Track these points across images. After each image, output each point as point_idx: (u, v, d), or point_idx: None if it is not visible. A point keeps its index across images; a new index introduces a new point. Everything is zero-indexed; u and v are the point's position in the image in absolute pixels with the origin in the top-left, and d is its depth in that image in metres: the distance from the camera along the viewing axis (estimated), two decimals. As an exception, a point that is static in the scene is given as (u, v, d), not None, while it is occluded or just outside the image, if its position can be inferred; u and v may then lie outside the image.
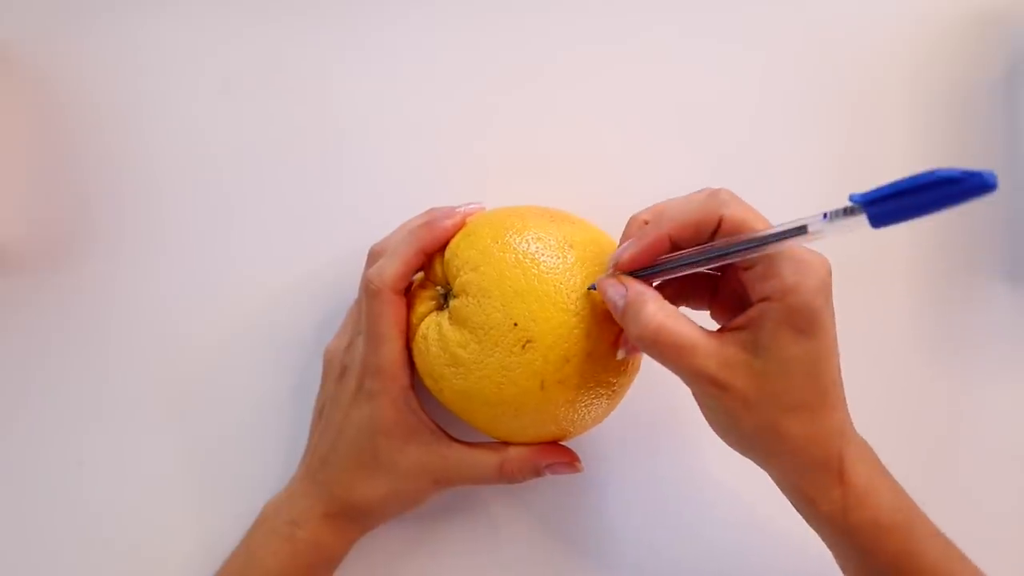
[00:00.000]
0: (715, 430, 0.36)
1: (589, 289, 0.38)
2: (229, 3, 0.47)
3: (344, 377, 0.42)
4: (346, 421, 0.41)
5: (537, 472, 0.41)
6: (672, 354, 0.34)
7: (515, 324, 0.37)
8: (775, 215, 0.47)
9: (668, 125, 0.48)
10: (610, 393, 0.39)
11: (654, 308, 0.34)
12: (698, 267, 0.35)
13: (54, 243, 0.47)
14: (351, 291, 0.44)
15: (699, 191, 0.36)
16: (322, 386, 0.44)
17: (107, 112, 0.47)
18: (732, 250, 0.33)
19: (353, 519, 0.42)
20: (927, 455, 0.47)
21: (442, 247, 0.40)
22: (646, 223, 0.37)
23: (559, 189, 0.45)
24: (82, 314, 0.46)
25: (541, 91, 0.47)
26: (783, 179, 0.47)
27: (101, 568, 0.46)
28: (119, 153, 0.47)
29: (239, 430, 0.46)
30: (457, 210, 0.41)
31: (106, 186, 0.47)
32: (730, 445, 0.36)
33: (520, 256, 0.38)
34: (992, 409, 0.47)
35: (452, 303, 0.39)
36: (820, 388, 0.34)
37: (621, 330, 0.38)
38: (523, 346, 0.37)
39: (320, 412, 0.43)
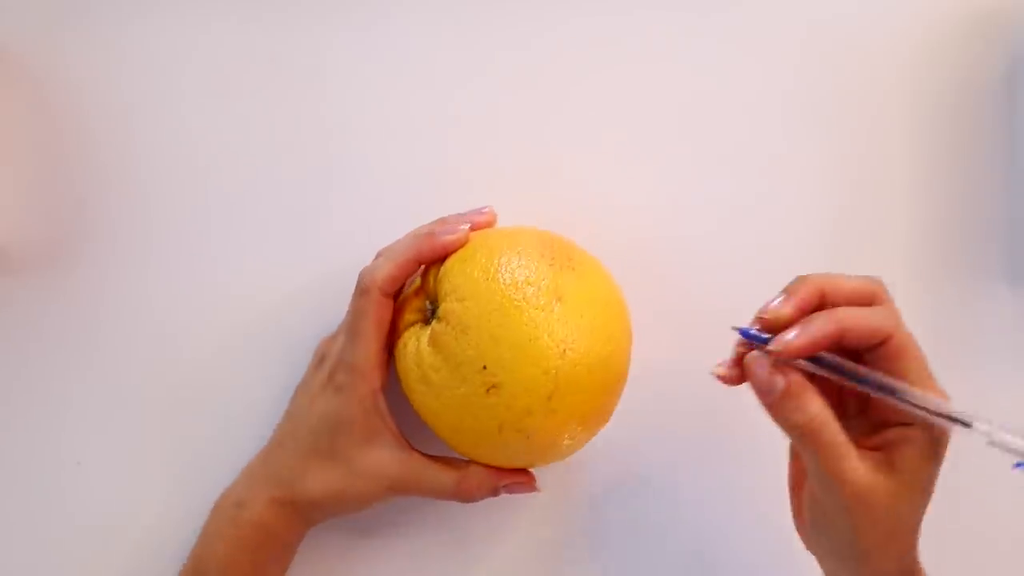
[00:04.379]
0: (805, 526, 0.38)
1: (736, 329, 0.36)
2: (229, 4, 0.47)
3: (320, 365, 0.42)
4: (310, 409, 0.41)
5: (494, 492, 0.41)
6: (826, 453, 0.34)
7: (484, 367, 0.37)
8: (775, 216, 0.47)
9: (669, 125, 0.48)
10: (570, 443, 0.40)
11: (819, 405, 0.34)
12: (850, 384, 0.35)
13: (53, 244, 0.47)
14: (349, 291, 0.44)
15: (868, 282, 0.36)
16: (305, 372, 0.44)
17: (105, 113, 0.47)
18: (895, 395, 0.34)
19: (299, 508, 0.41)
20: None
21: (440, 259, 0.40)
22: (820, 300, 0.35)
23: (562, 190, 0.45)
24: (80, 315, 0.46)
25: (543, 93, 0.47)
26: (783, 179, 0.47)
27: (100, 568, 0.46)
28: (117, 154, 0.47)
29: (238, 430, 0.46)
30: (462, 227, 0.40)
31: (104, 187, 0.47)
32: (809, 544, 0.38)
33: (504, 300, 0.37)
34: (992, 409, 0.47)
35: (433, 325, 0.39)
36: (924, 512, 0.36)
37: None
38: (487, 390, 0.37)
39: (293, 396, 0.44)
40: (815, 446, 0.34)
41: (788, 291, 0.35)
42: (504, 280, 0.38)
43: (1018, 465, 0.31)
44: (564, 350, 0.37)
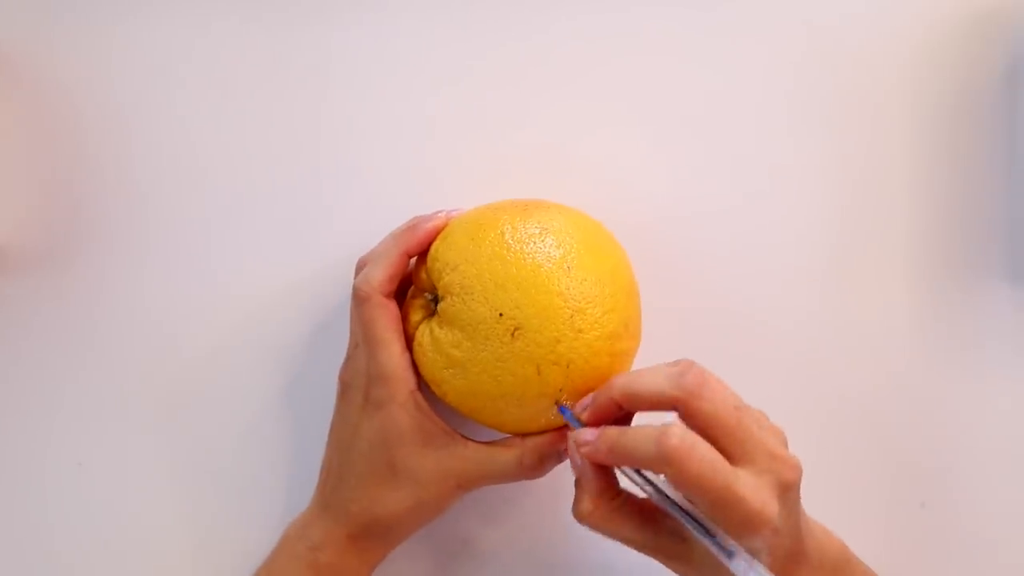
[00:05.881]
0: None
1: (557, 405, 0.39)
2: (226, 6, 0.47)
3: (348, 392, 0.41)
4: (357, 436, 0.40)
5: (559, 457, 0.41)
6: (605, 535, 0.37)
7: (500, 314, 0.38)
8: (776, 215, 0.47)
9: (668, 124, 0.47)
10: (611, 363, 0.39)
11: (590, 507, 0.37)
12: (652, 498, 0.36)
13: (52, 244, 0.47)
14: (347, 289, 0.44)
15: (675, 364, 0.36)
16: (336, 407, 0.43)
17: (102, 113, 0.47)
18: (682, 517, 0.35)
19: (377, 537, 0.41)
20: (926, 454, 0.47)
21: (425, 249, 0.41)
22: (619, 406, 0.37)
23: (562, 189, 0.45)
24: (80, 315, 0.46)
25: (544, 91, 0.47)
26: (784, 179, 0.47)
27: (100, 568, 0.46)
28: (115, 154, 0.47)
29: (237, 431, 0.46)
30: (438, 213, 0.41)
31: (102, 187, 0.47)
32: None
33: (496, 248, 0.39)
34: (992, 409, 0.47)
35: (439, 306, 0.40)
36: None
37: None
38: (512, 334, 0.38)
39: (329, 433, 0.43)
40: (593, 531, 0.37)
41: (593, 397, 0.38)
42: (489, 235, 0.39)
43: None
44: (568, 267, 0.38)
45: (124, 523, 0.46)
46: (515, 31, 0.47)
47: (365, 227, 0.44)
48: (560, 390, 0.38)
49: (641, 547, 0.37)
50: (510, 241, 0.39)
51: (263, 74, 0.47)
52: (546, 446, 0.40)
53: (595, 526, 0.37)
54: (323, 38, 0.47)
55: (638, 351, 0.41)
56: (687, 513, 0.35)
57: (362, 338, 0.40)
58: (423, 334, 0.40)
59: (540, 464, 0.40)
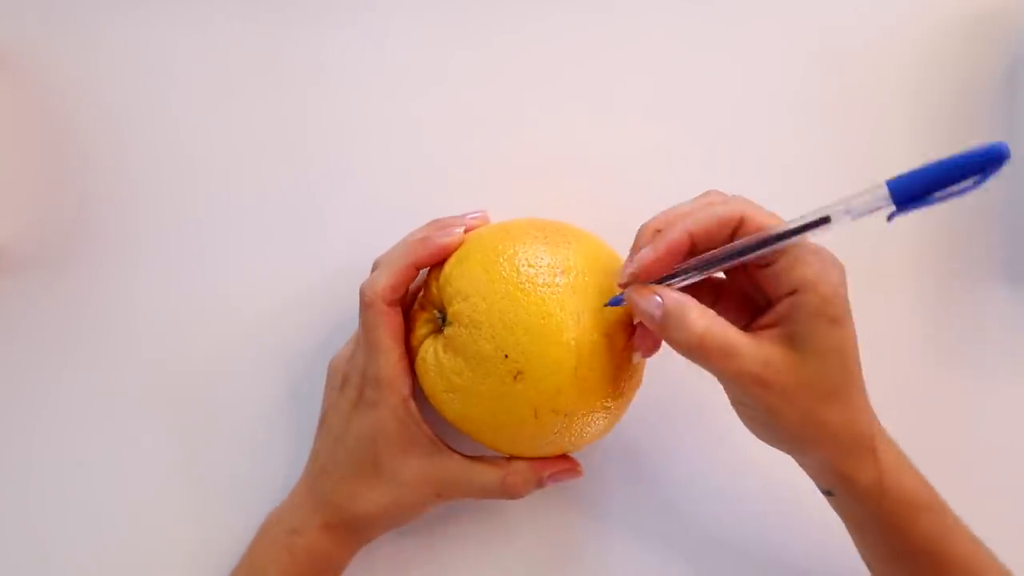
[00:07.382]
0: (752, 428, 0.37)
1: (605, 305, 0.37)
2: (226, 7, 0.47)
3: (345, 387, 0.42)
4: (346, 431, 0.41)
5: (540, 483, 0.41)
6: (717, 358, 0.34)
7: (506, 356, 0.37)
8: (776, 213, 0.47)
9: (669, 124, 0.48)
10: (606, 415, 0.40)
11: (697, 315, 0.34)
12: (717, 269, 0.35)
13: (53, 244, 0.47)
14: (352, 295, 0.44)
15: (704, 194, 0.37)
16: (325, 396, 0.44)
17: (103, 114, 0.47)
18: (754, 246, 0.34)
19: (352, 529, 0.42)
20: (927, 455, 0.47)
21: (438, 263, 0.40)
22: (658, 231, 0.36)
23: (562, 191, 0.45)
24: (81, 316, 0.46)
25: (543, 92, 0.47)
26: (783, 178, 0.47)
27: (100, 569, 0.46)
28: (115, 154, 0.47)
29: (238, 431, 0.46)
30: (456, 230, 0.41)
31: (102, 188, 0.47)
32: (767, 442, 0.37)
33: (509, 286, 0.38)
34: (993, 409, 0.47)
35: (446, 330, 0.39)
36: (851, 374, 0.36)
37: (632, 333, 0.39)
38: (514, 377, 0.37)
39: (322, 421, 0.43)
40: (705, 358, 0.34)
41: (655, 240, 0.36)
42: (504, 269, 0.38)
43: (891, 216, 0.33)
44: (578, 319, 0.37)
45: (123, 523, 0.46)
46: (511, 26, 0.47)
47: (364, 228, 0.44)
48: (555, 432, 0.39)
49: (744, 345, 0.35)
50: (523, 282, 0.38)
51: (261, 75, 0.47)
52: (530, 471, 0.41)
53: (709, 334, 0.34)
54: (322, 40, 0.47)
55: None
56: (746, 249, 0.35)
57: (363, 341, 0.41)
58: (427, 350, 0.40)
59: (522, 487, 0.41)
